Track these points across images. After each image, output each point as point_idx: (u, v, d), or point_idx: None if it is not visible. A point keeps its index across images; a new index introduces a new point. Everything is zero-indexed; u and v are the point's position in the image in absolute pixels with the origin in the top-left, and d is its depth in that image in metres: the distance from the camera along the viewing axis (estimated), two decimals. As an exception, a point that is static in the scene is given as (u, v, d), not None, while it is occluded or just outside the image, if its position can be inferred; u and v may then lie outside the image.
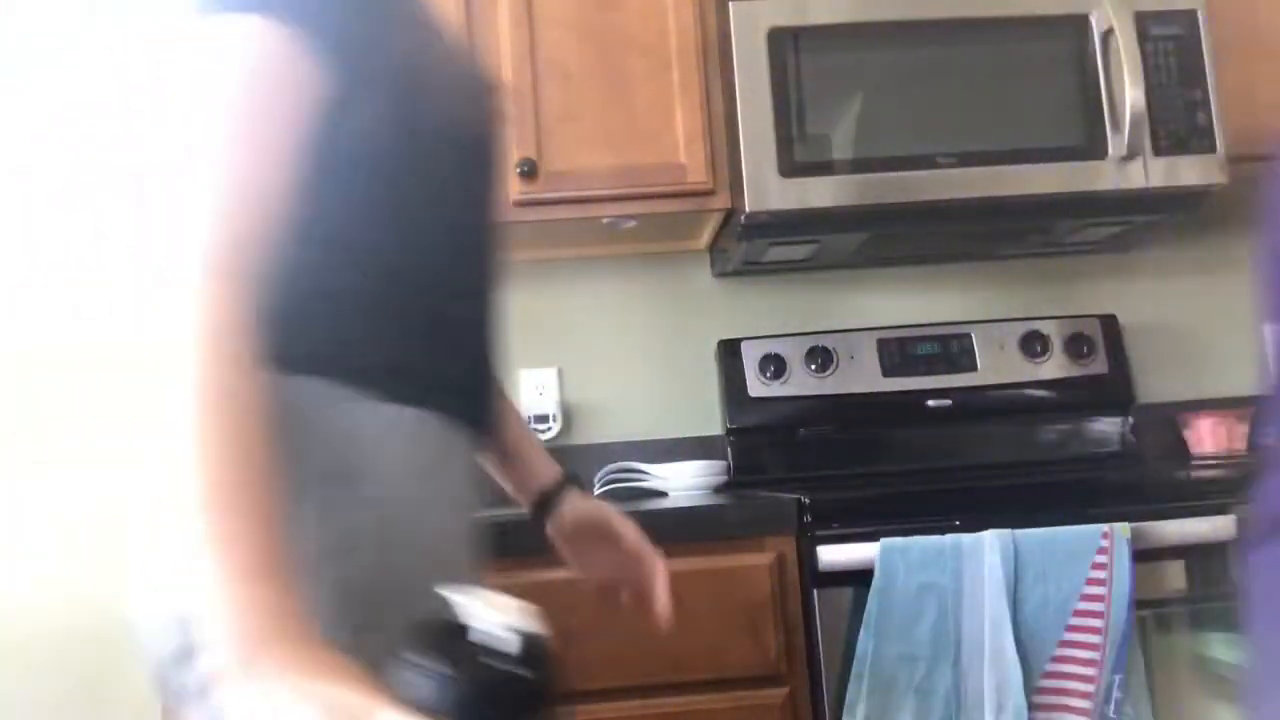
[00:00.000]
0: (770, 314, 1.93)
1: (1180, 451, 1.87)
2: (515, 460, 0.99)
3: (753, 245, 1.69)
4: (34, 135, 1.89)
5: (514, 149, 1.59)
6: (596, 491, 1.76)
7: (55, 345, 1.87)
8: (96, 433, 1.84)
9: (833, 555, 1.23)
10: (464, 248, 0.82)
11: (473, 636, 0.56)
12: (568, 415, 1.89)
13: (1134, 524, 1.20)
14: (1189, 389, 1.95)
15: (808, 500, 1.27)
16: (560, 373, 1.90)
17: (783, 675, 1.25)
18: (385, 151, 0.74)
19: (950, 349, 1.83)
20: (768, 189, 1.54)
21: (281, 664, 0.53)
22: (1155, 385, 1.94)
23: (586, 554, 0.99)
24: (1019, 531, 1.19)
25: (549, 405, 1.87)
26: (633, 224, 1.72)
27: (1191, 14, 1.60)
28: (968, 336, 1.83)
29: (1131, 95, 1.53)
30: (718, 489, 1.71)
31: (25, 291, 1.88)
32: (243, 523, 0.56)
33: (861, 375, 1.80)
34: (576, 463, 1.85)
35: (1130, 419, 1.85)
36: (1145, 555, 1.21)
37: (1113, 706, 1.14)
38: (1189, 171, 1.58)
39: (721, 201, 1.62)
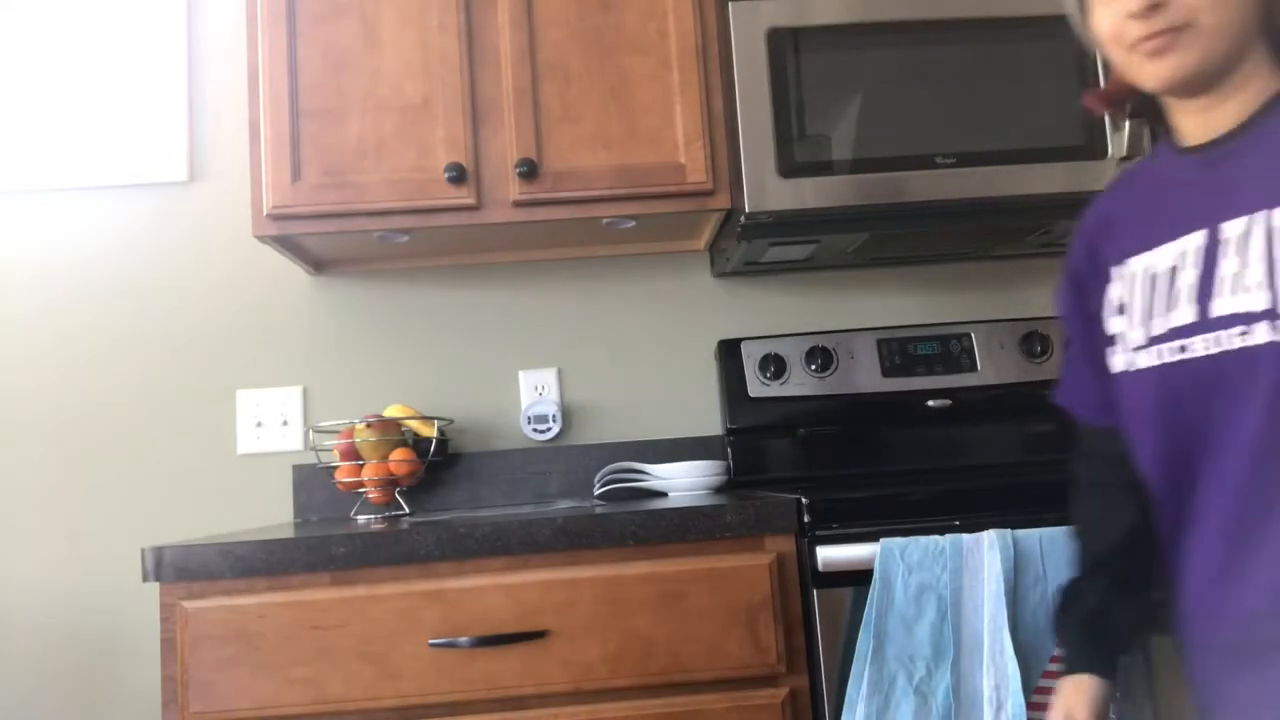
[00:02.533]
0: (770, 314, 1.93)
1: (1180, 451, 1.87)
2: None
3: (752, 245, 1.69)
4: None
5: (514, 149, 1.60)
6: (596, 491, 1.76)
7: (54, 341, 1.87)
8: (99, 433, 1.84)
9: (832, 555, 1.23)
10: None
11: None
12: (568, 415, 1.89)
13: (1134, 524, 1.20)
14: (1189, 389, 1.95)
15: (807, 500, 1.27)
16: (560, 373, 1.90)
17: (782, 675, 1.25)
18: None
19: (950, 349, 1.83)
20: (767, 189, 1.54)
21: None
22: (1155, 385, 1.94)
23: None
24: (1018, 531, 1.19)
25: (549, 405, 1.87)
26: (633, 224, 1.72)
27: (1191, 14, 1.60)
28: (968, 336, 1.83)
29: (1131, 95, 1.53)
30: (718, 489, 1.71)
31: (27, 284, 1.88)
32: None
33: (861, 375, 1.80)
34: (576, 463, 1.85)
35: (1130, 419, 1.84)
36: (1145, 555, 1.21)
37: (1112, 706, 1.14)
38: (1189, 171, 1.58)
39: (721, 201, 1.62)
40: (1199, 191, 0.93)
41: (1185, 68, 0.90)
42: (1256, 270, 0.84)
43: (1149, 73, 0.92)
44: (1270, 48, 0.92)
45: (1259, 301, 0.84)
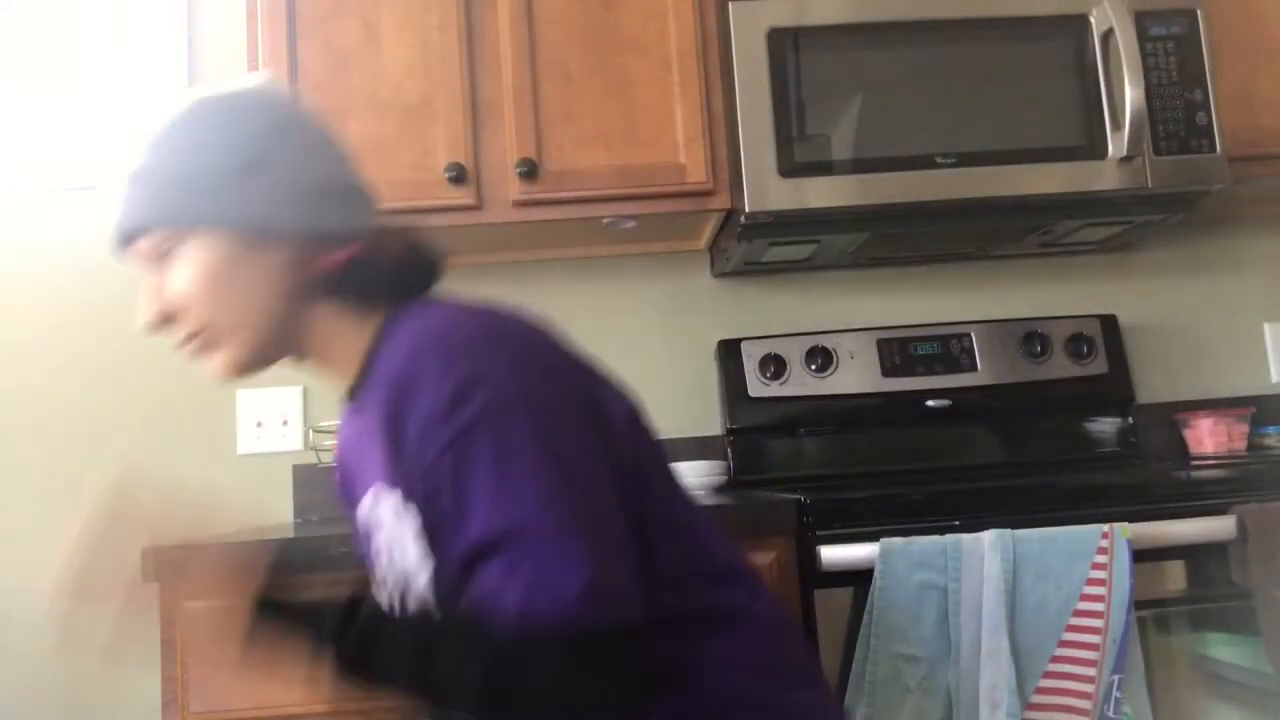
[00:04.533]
0: (770, 314, 1.93)
1: (1180, 451, 1.87)
2: None
3: (752, 245, 1.69)
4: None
5: (514, 149, 1.60)
6: (596, 491, 1.76)
7: (54, 341, 1.87)
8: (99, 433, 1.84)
9: (833, 555, 1.23)
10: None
11: None
12: (568, 415, 1.89)
13: (1134, 524, 1.20)
14: (1189, 389, 1.95)
15: (808, 500, 1.27)
16: (560, 373, 1.90)
17: (783, 675, 1.25)
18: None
19: (950, 349, 1.82)
20: (768, 189, 1.54)
21: None
22: (1155, 385, 1.94)
23: None
24: (1019, 532, 1.19)
25: (549, 405, 1.86)
26: (633, 224, 1.72)
27: (1191, 14, 1.60)
28: (968, 336, 1.83)
29: (1131, 95, 1.53)
30: (718, 489, 1.71)
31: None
32: None
33: (861, 375, 1.80)
34: (576, 463, 1.85)
35: (1130, 419, 1.85)
36: (1145, 555, 1.20)
37: (1112, 706, 1.14)
38: (1189, 171, 1.58)
39: (721, 201, 1.62)
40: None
41: (233, 363, 0.84)
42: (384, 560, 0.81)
43: (209, 370, 0.85)
44: (340, 302, 0.84)
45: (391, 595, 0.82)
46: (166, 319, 0.82)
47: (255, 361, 0.85)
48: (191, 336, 0.83)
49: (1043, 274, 1.98)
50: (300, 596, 0.77)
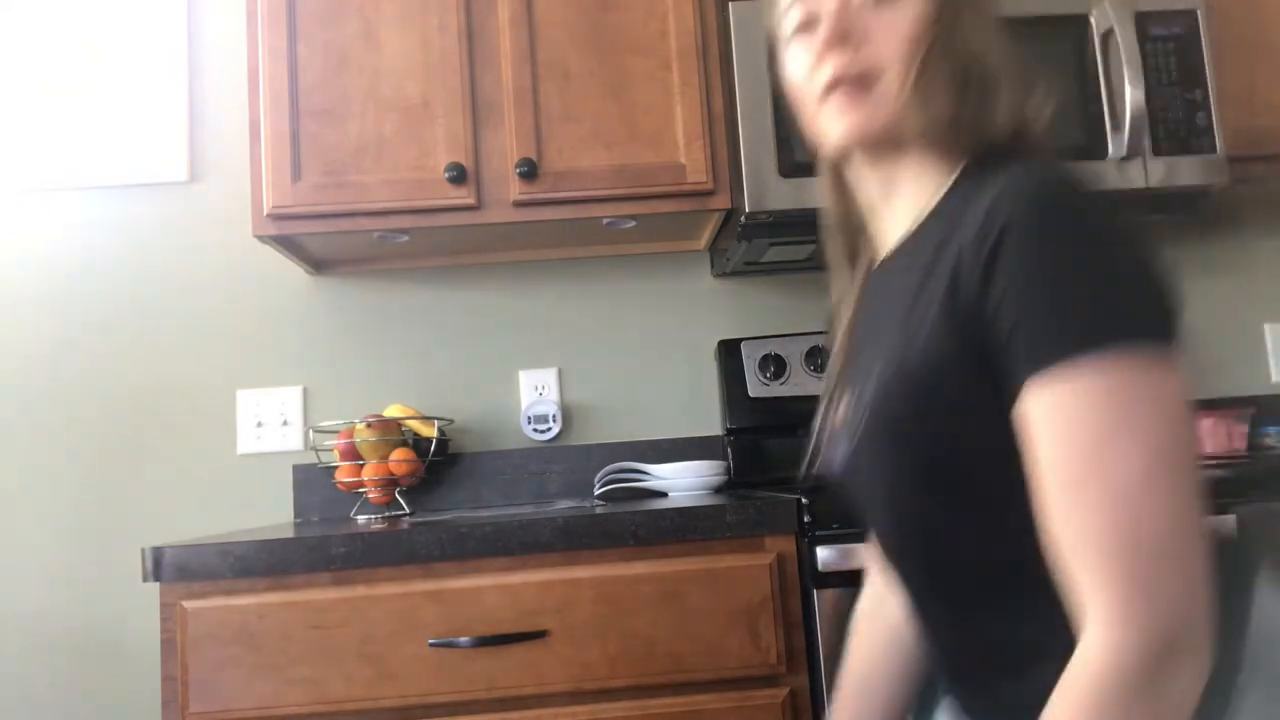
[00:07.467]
0: (770, 314, 1.93)
1: (1180, 451, 1.87)
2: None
3: (753, 245, 1.69)
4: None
5: (514, 149, 1.60)
6: (596, 491, 1.76)
7: (54, 341, 1.87)
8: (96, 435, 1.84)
9: (833, 555, 1.23)
10: None
11: None
12: (568, 415, 1.89)
13: (1134, 524, 1.19)
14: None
15: (807, 500, 1.27)
16: (560, 373, 1.90)
17: (783, 675, 1.25)
18: None
19: (950, 349, 1.82)
20: (768, 189, 1.54)
21: None
22: (1155, 385, 1.94)
23: None
24: (1019, 531, 1.19)
25: (549, 405, 1.87)
26: (633, 224, 1.72)
27: (1191, 14, 1.60)
28: (968, 336, 1.83)
29: (1131, 95, 1.53)
30: (718, 489, 1.71)
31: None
32: None
33: (861, 375, 1.80)
34: (576, 463, 1.85)
35: (1130, 419, 1.84)
36: (1145, 555, 1.20)
37: None
38: (1189, 171, 1.58)
39: (721, 201, 1.62)
40: None
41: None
42: None
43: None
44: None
45: None
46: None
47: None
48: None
49: (1043, 274, 1.97)
50: None
